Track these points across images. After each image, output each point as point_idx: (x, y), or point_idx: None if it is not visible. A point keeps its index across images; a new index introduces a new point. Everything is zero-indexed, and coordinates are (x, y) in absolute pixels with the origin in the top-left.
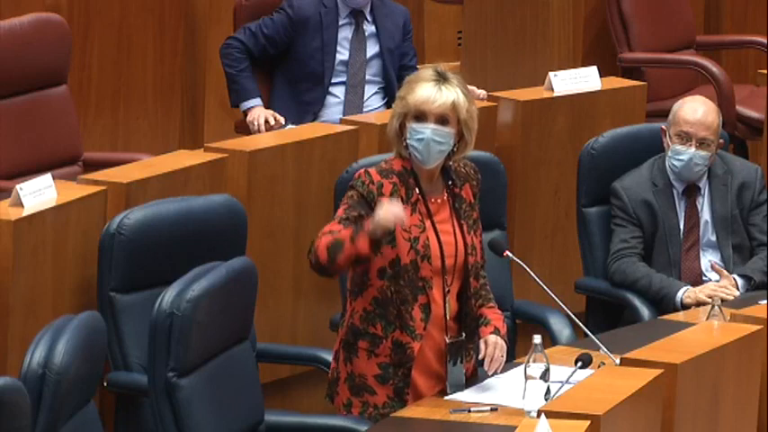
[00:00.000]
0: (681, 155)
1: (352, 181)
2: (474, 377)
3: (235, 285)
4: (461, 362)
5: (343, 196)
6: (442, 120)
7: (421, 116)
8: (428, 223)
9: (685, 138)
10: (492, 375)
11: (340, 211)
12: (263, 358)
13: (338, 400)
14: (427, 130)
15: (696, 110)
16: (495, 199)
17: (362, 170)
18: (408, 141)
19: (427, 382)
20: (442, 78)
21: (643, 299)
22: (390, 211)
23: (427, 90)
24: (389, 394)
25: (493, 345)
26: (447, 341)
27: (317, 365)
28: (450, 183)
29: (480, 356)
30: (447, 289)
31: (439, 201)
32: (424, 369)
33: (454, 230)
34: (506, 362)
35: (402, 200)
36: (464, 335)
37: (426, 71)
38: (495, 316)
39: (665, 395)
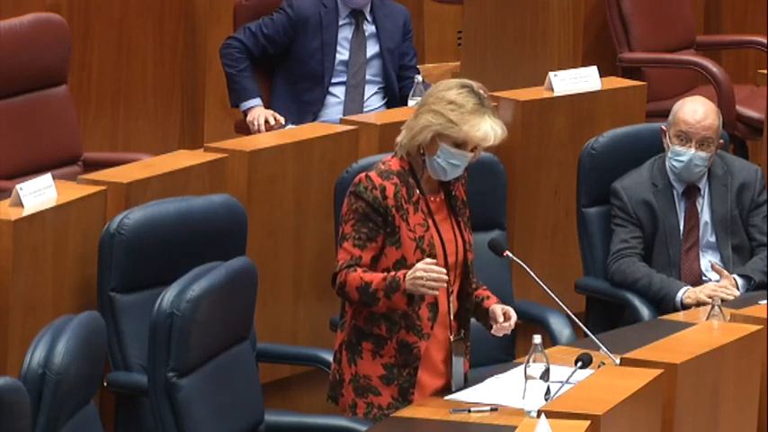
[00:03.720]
0: (680, 156)
1: (353, 187)
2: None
3: (235, 285)
4: (462, 357)
5: (345, 203)
6: (474, 147)
7: (463, 144)
8: (430, 222)
9: (685, 138)
10: (503, 335)
11: (348, 229)
12: (263, 358)
13: (343, 402)
14: (464, 158)
15: (696, 111)
16: (495, 199)
17: (363, 175)
18: (437, 159)
19: (433, 381)
20: (484, 106)
21: (643, 299)
22: (432, 278)
23: (485, 127)
24: (394, 395)
25: (503, 307)
26: (451, 339)
27: (317, 365)
28: (446, 182)
29: (498, 318)
30: (450, 289)
31: (438, 200)
32: (430, 368)
33: (453, 228)
34: (506, 362)
35: (404, 199)
36: (463, 332)
37: (468, 96)
38: (490, 293)
39: (665, 395)
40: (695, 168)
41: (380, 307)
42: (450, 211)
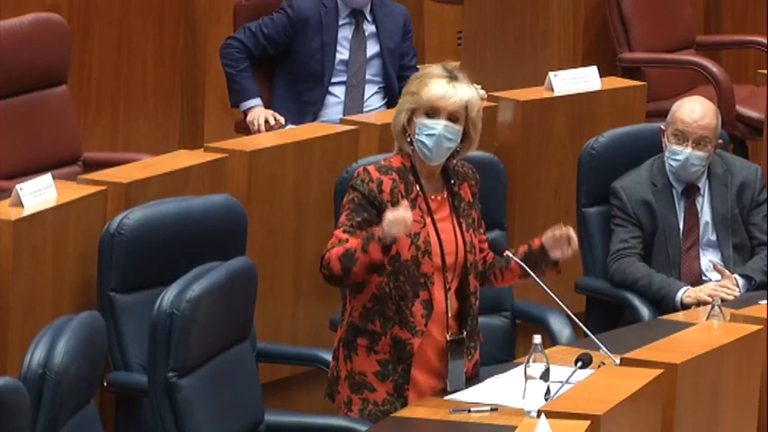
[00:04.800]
0: (677, 155)
1: (351, 180)
2: (474, 377)
3: (235, 285)
4: (461, 359)
5: (344, 197)
6: (453, 117)
7: (433, 112)
8: (428, 220)
9: (682, 138)
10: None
11: (343, 218)
12: (263, 358)
13: (339, 399)
14: (439, 126)
15: (693, 110)
16: (495, 199)
17: (361, 168)
18: (417, 137)
19: (427, 380)
20: (452, 76)
21: (643, 299)
22: (399, 220)
23: (442, 87)
24: (389, 391)
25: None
26: (448, 339)
27: (317, 365)
28: (450, 181)
29: (556, 233)
30: (448, 286)
31: (439, 198)
32: (425, 366)
33: (454, 228)
34: (506, 362)
35: (401, 195)
36: (464, 333)
37: (436, 68)
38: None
39: (665, 395)
40: (692, 168)
41: (359, 266)
42: (452, 210)
